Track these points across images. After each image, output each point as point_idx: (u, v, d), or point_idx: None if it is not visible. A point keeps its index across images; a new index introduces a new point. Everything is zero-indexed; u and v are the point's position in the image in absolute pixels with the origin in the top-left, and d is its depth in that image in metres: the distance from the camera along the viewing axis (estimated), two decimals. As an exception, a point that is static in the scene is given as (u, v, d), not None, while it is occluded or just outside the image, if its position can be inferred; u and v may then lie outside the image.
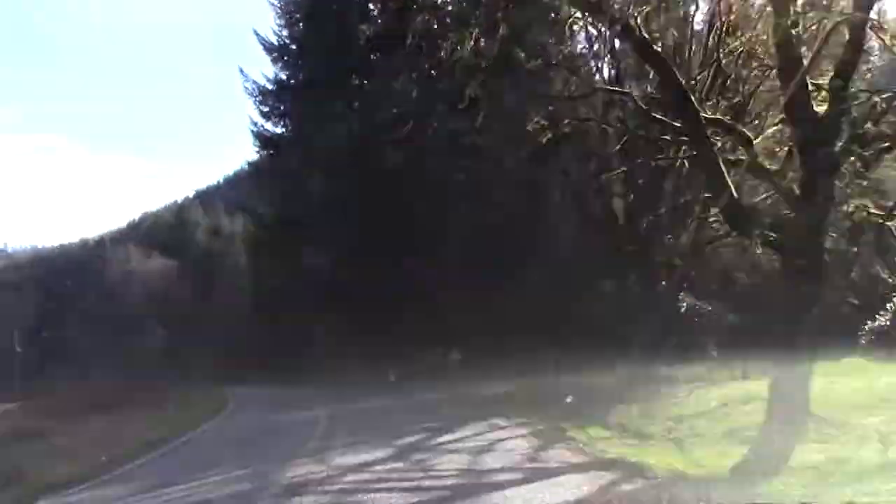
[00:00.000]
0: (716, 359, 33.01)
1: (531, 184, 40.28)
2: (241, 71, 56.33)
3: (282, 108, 55.85)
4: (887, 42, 14.75)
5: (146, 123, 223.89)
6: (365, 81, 50.79)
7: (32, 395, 58.27)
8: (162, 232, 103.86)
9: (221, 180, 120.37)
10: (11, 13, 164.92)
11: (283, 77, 55.50)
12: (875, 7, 14.22)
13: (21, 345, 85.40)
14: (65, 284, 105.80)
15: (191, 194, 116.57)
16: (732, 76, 25.16)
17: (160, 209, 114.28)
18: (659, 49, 17.92)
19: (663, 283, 33.38)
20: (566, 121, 26.53)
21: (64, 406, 39.03)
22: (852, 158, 14.03)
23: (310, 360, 54.67)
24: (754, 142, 16.38)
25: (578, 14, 22.70)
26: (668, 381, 28.10)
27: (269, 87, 55.50)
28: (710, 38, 26.18)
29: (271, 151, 57.36)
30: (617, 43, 29.98)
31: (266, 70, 57.28)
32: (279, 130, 56.77)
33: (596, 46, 31.92)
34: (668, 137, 22.54)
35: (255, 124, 56.65)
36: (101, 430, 27.79)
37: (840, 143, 13.40)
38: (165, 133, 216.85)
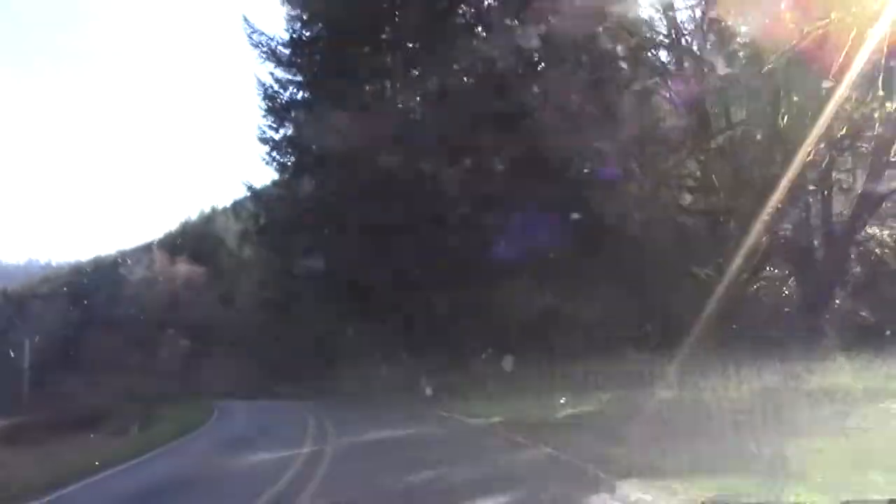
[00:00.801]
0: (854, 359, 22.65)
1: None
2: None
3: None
4: None
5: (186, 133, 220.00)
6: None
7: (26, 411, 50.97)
8: (192, 240, 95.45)
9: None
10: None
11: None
12: None
13: (32, 357, 78.62)
14: (91, 295, 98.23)
15: (228, 203, 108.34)
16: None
17: (194, 219, 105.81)
18: None
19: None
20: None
21: (13, 430, 31.29)
22: None
23: (333, 370, 45.49)
24: None
25: None
26: (833, 394, 17.77)
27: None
28: None
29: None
30: None
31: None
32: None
33: None
34: None
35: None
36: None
37: None
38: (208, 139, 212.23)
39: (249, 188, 49.99)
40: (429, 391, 33.97)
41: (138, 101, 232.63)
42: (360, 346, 42.91)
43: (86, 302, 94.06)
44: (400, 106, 39.77)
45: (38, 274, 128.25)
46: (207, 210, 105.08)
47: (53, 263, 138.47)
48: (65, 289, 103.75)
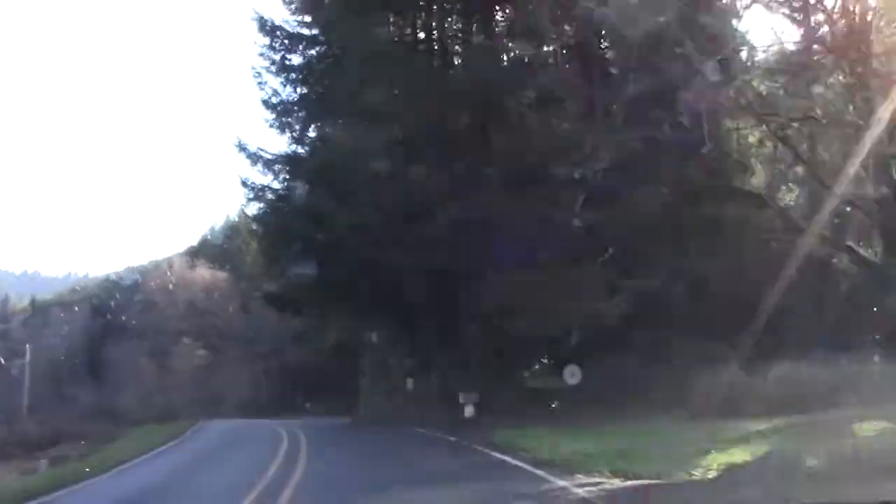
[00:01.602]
0: None
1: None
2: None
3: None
4: None
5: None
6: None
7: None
8: (214, 248, 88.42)
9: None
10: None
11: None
12: None
13: (50, 367, 72.28)
14: (112, 306, 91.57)
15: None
16: None
17: (218, 227, 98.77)
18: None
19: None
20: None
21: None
22: None
23: (355, 383, 38.34)
24: None
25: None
26: None
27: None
28: None
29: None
30: None
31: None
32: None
33: None
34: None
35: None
36: None
37: None
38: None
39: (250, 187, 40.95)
40: (469, 410, 25.98)
41: (168, 118, 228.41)
42: (386, 357, 35.25)
43: (108, 315, 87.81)
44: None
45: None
46: (233, 217, 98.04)
47: (91, 276, 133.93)
48: (94, 300, 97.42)
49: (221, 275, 75.81)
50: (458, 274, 26.69)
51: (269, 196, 34.18)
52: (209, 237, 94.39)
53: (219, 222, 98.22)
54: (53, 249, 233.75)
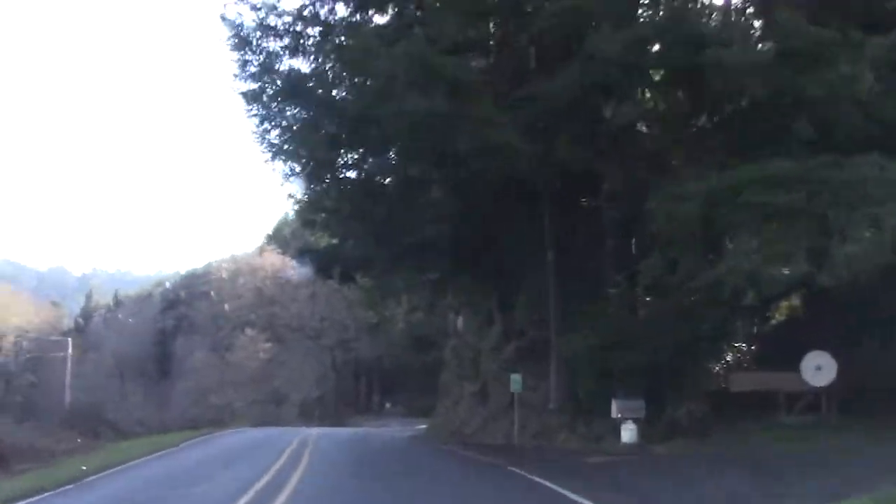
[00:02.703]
0: None
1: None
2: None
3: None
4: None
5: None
6: None
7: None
8: (287, 233, 78.84)
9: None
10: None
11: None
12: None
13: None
14: (182, 300, 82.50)
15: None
16: None
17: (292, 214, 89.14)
18: None
19: None
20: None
21: None
22: None
23: (434, 380, 27.51)
24: None
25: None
26: None
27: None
28: None
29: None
30: None
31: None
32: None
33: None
34: None
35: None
36: None
37: None
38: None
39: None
40: (629, 432, 14.34)
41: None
42: (476, 346, 24.22)
43: (178, 310, 79.73)
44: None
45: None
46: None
47: (173, 273, 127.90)
48: (166, 295, 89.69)
49: (292, 261, 65.78)
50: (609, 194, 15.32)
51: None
52: (284, 223, 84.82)
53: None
54: (144, 249, 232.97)
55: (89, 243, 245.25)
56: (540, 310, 18.62)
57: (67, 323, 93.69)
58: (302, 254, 24.75)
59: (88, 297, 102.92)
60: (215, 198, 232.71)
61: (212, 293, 68.60)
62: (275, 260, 66.71)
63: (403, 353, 55.86)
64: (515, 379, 17.73)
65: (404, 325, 56.94)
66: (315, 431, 27.73)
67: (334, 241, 24.40)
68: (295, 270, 65.93)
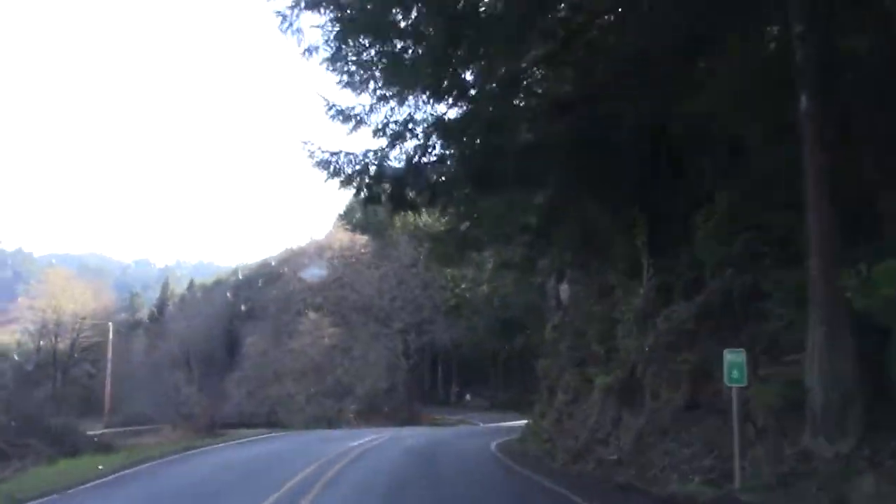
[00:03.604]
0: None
1: None
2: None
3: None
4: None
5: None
6: None
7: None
8: (363, 212, 71.18)
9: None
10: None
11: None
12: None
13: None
14: (255, 289, 76.55)
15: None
16: None
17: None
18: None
19: None
20: None
21: None
22: None
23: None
24: None
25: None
26: None
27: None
28: None
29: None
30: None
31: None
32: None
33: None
34: None
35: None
36: None
37: None
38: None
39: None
40: None
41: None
42: (591, 322, 15.80)
43: (245, 298, 73.86)
44: None
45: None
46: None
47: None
48: (236, 283, 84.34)
49: (361, 239, 58.08)
50: None
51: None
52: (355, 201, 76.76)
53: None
54: (226, 240, 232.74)
55: (173, 236, 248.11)
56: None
57: (143, 313, 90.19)
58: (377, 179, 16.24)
59: (165, 286, 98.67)
60: (298, 187, 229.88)
61: (284, 270, 61.85)
62: (343, 237, 59.30)
63: (486, 337, 47.62)
64: (734, 361, 8.86)
65: (486, 305, 48.62)
66: (359, 444, 18.83)
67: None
68: (366, 246, 58.68)
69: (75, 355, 62.73)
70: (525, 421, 33.88)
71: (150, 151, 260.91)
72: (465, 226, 16.47)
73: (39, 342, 62.57)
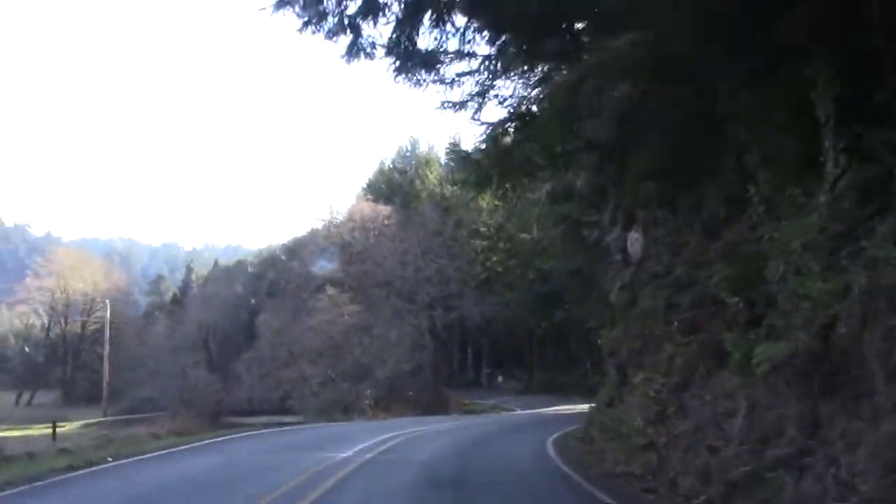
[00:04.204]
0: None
1: None
2: None
3: None
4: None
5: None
6: None
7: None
8: (388, 181, 65.57)
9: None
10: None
11: None
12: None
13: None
14: (277, 269, 72.01)
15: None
16: None
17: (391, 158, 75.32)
18: None
19: None
20: None
21: None
22: None
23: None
24: None
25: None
26: None
27: None
28: None
29: None
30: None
31: None
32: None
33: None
34: None
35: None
36: None
37: None
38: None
39: None
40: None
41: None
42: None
43: (267, 279, 69.58)
44: None
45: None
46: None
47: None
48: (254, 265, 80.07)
49: (384, 210, 52.63)
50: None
51: None
52: (381, 172, 71.33)
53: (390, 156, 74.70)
54: (255, 223, 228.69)
55: (202, 220, 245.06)
56: None
57: (167, 296, 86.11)
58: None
59: (189, 268, 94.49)
60: (325, 168, 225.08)
61: (300, 251, 56.84)
62: (364, 207, 53.88)
63: (520, 313, 41.95)
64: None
65: (519, 279, 42.79)
66: (355, 454, 12.86)
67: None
68: (389, 217, 53.22)
69: (86, 338, 58.58)
70: (569, 407, 28.33)
71: (179, 135, 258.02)
72: (512, 131, 11.06)
73: (48, 324, 58.42)
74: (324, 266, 45.57)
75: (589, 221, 19.09)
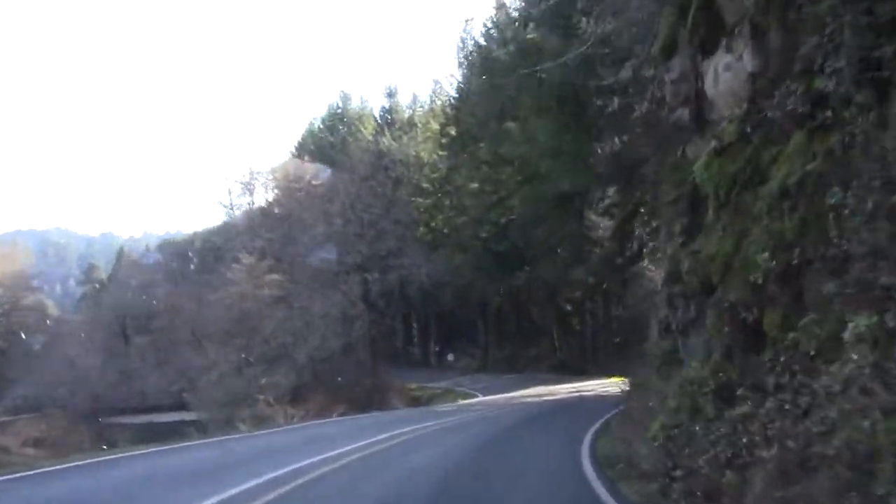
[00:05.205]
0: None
1: None
2: None
3: None
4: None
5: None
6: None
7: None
8: (318, 142, 57.42)
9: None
10: None
11: None
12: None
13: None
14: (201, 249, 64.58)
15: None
16: None
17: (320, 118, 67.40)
18: None
19: None
20: None
21: None
22: None
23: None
24: None
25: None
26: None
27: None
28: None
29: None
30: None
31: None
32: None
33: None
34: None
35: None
36: None
37: None
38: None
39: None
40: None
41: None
42: None
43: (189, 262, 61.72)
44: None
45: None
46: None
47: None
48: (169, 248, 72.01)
49: (311, 168, 44.30)
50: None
51: None
52: (310, 133, 63.22)
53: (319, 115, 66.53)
54: (193, 207, 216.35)
55: (140, 209, 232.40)
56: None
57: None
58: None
59: (119, 256, 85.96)
60: (258, 140, 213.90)
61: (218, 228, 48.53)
62: (289, 167, 45.39)
63: (473, 278, 33.75)
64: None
65: (471, 239, 34.62)
66: None
67: None
68: (317, 177, 44.79)
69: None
70: (571, 387, 21.94)
71: (111, 122, 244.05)
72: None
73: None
74: (324, 258, 36.34)
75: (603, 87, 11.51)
